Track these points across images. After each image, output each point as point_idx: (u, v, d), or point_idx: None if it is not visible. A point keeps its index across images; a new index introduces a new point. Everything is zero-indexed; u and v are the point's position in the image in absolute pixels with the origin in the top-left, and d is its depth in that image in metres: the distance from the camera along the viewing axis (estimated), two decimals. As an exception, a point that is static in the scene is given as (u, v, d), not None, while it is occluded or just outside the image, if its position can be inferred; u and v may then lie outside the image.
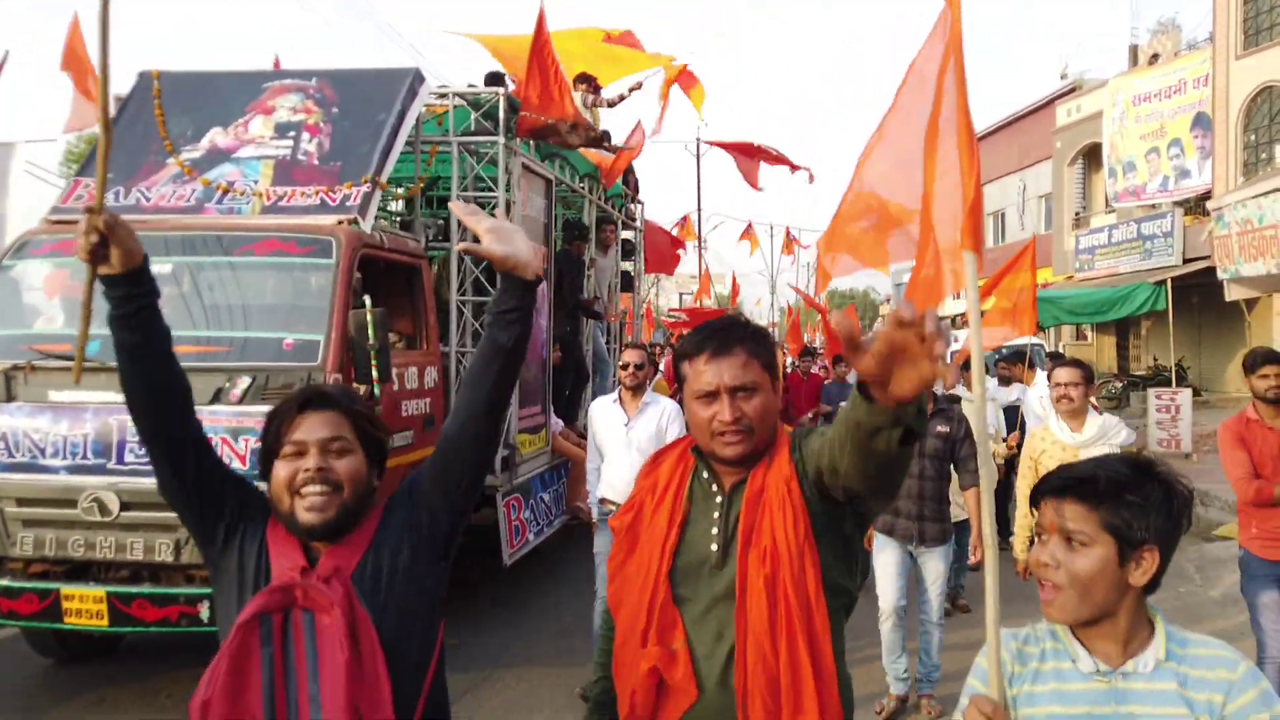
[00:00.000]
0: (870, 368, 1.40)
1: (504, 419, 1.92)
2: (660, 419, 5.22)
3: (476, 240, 1.88)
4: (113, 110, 6.14)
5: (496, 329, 1.87)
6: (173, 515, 1.96)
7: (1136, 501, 1.55)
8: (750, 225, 24.13)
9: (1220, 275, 13.38)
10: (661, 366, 12.34)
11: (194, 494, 1.86)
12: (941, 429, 4.84)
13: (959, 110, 2.15)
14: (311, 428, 1.81)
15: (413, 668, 1.82)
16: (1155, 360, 18.52)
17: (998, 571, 1.74)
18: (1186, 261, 17.53)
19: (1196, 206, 17.77)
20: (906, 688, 4.95)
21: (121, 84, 6.24)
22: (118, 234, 1.71)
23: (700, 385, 1.92)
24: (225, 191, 5.42)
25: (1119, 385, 17.70)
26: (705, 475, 1.97)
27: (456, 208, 1.93)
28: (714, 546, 1.89)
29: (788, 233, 28.21)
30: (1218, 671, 1.54)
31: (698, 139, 30.43)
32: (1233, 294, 13.99)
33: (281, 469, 1.80)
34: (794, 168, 10.61)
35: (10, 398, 4.80)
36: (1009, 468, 8.30)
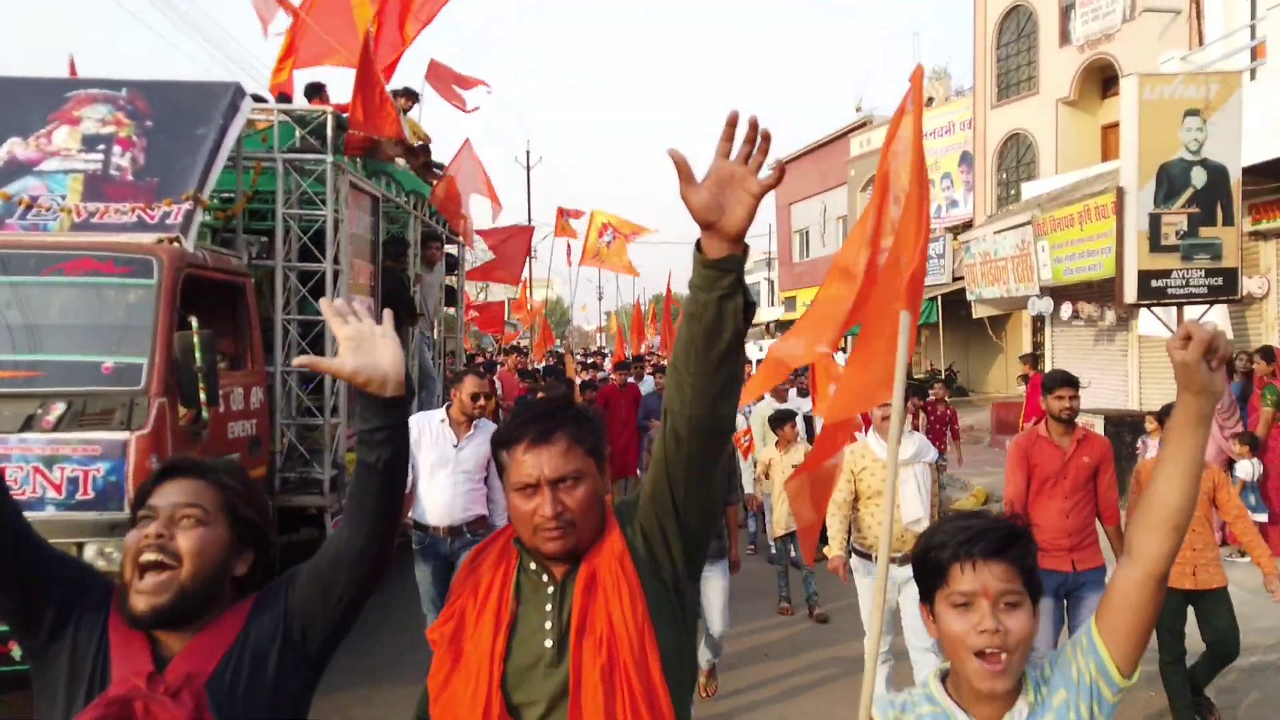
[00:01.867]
0: (704, 199, 1.48)
1: (391, 541, 1.73)
2: (488, 447, 5.10)
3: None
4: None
5: (363, 449, 1.65)
6: None
7: (1033, 554, 1.59)
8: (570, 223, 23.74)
9: (969, 296, 15.69)
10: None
11: (13, 599, 1.61)
12: None
13: (915, 182, 2.82)
14: (166, 493, 1.62)
15: None
16: (931, 365, 20.71)
17: (879, 637, 1.70)
18: (955, 280, 20.04)
19: (963, 232, 20.18)
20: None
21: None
22: None
23: (520, 477, 1.77)
24: (29, 206, 5.13)
25: None
26: (533, 566, 1.80)
27: (325, 307, 1.70)
28: (548, 642, 1.73)
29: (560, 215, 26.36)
30: (1061, 669, 1.60)
31: (527, 151, 31.11)
32: (978, 312, 16.40)
33: (130, 536, 1.59)
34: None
35: None
36: None
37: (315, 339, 6.43)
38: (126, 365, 4.69)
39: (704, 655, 5.32)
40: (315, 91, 8.91)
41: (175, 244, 5.04)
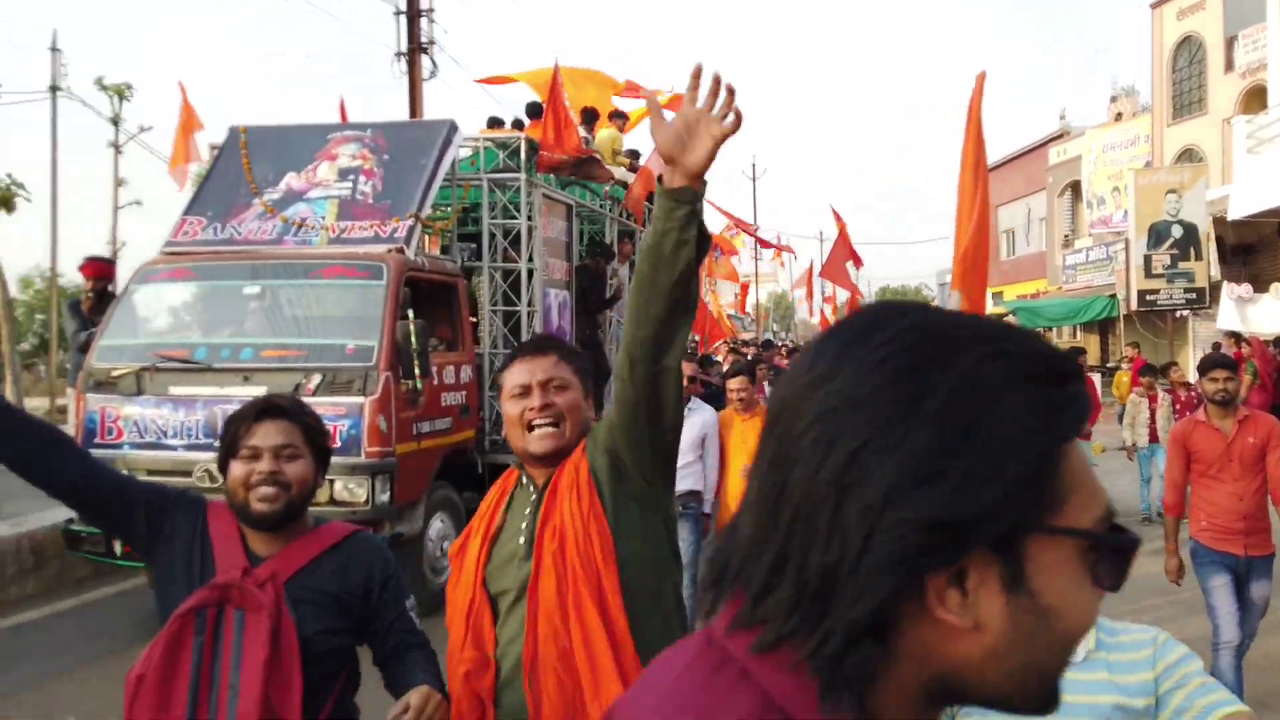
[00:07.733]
0: (669, 135, 1.59)
1: None
2: (700, 427, 5.44)
3: None
4: (207, 155, 7.55)
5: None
6: None
7: None
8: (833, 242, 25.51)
9: (1119, 295, 19.23)
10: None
11: (102, 518, 2.12)
12: None
13: (973, 166, 4.04)
14: (266, 434, 1.97)
15: (327, 674, 1.98)
16: (1123, 353, 21.00)
17: None
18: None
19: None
20: None
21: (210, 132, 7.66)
22: None
23: (513, 383, 1.99)
24: (299, 226, 6.77)
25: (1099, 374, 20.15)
26: (524, 480, 2.04)
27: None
28: (521, 540, 1.96)
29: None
30: (1142, 651, 1.64)
31: (753, 163, 32.99)
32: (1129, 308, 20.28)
33: (238, 469, 1.96)
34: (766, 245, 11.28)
35: (140, 392, 6.18)
36: None
37: (515, 326, 7.75)
38: (363, 347, 6.14)
39: None
40: (535, 111, 10.33)
41: (400, 253, 6.48)
